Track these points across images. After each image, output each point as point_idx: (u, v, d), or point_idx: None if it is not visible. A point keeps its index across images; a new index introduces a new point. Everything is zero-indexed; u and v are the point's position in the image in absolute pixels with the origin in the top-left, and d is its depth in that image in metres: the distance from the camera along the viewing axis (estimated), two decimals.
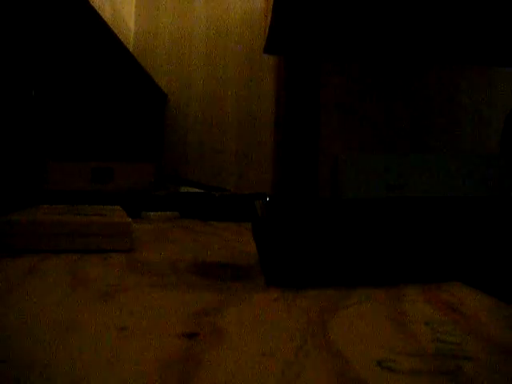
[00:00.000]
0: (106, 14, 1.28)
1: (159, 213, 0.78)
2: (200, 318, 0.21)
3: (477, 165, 0.70)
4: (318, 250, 0.28)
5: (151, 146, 1.48)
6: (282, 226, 0.29)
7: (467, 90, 1.44)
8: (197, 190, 1.22)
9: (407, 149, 1.39)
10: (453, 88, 1.44)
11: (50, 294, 0.25)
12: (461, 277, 0.29)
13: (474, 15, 0.98)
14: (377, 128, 1.40)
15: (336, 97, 1.40)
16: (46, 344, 0.17)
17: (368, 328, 0.20)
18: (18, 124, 0.74)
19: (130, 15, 1.60)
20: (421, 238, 0.30)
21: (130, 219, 0.42)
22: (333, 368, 0.15)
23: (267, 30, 1.13)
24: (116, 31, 1.16)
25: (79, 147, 0.95)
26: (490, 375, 0.15)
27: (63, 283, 0.28)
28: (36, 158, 0.80)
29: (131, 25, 1.61)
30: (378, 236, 0.29)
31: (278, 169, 1.37)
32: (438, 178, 0.69)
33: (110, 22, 1.13)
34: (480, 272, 0.29)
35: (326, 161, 1.15)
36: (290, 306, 0.23)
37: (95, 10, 0.95)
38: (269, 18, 1.06)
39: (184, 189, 1.30)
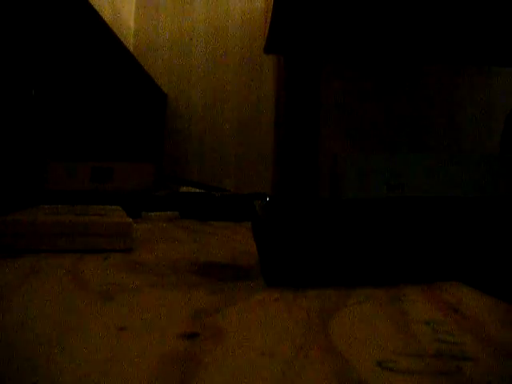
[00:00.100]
0: (106, 13, 1.28)
1: (159, 213, 0.78)
2: (200, 318, 0.21)
3: (477, 165, 0.70)
4: (318, 249, 0.28)
5: (151, 145, 1.48)
6: (281, 226, 0.29)
7: (467, 90, 1.44)
8: (197, 190, 1.21)
9: (407, 149, 1.39)
10: (453, 88, 1.44)
11: (49, 294, 0.25)
12: (461, 277, 0.29)
13: (473, 15, 0.98)
14: (377, 128, 1.40)
15: (336, 97, 1.40)
16: (46, 344, 0.17)
17: (368, 328, 0.20)
18: (17, 124, 0.74)
19: (130, 15, 1.60)
20: (421, 238, 0.30)
21: (130, 219, 0.42)
22: (333, 368, 0.15)
23: (267, 29, 1.13)
24: (116, 31, 1.16)
25: (79, 147, 0.95)
26: (490, 375, 0.15)
27: (63, 283, 0.28)
28: (36, 157, 0.80)
29: (131, 25, 1.61)
30: (377, 236, 0.29)
31: (278, 169, 1.37)
32: (438, 178, 0.69)
33: (109, 22, 1.13)
34: (480, 272, 0.29)
35: (326, 161, 1.15)
36: (290, 306, 0.23)
37: (95, 10, 0.95)
38: (269, 18, 1.06)
39: (184, 189, 1.30)
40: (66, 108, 0.90)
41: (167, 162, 1.56)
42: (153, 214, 0.78)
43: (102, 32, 1.02)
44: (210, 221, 0.75)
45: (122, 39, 1.25)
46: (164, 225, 0.68)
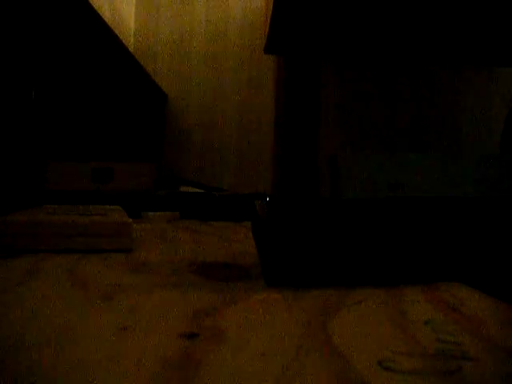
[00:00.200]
0: (106, 13, 1.28)
1: (159, 213, 0.78)
2: (200, 318, 0.21)
3: (477, 165, 0.70)
4: (318, 249, 0.28)
5: (151, 146, 1.48)
6: (281, 226, 0.29)
7: (467, 89, 1.44)
8: (197, 190, 1.21)
9: (407, 148, 1.39)
10: (453, 88, 1.44)
11: (49, 294, 0.25)
12: (461, 277, 0.29)
13: (473, 15, 0.98)
14: (376, 128, 1.40)
15: (335, 97, 1.40)
16: (46, 344, 0.17)
17: (368, 328, 0.20)
18: (18, 124, 0.74)
19: (130, 15, 1.60)
20: (421, 238, 0.30)
21: (130, 219, 0.42)
22: (333, 368, 0.15)
23: (267, 29, 1.13)
24: (116, 31, 1.16)
25: (79, 147, 0.95)
26: (490, 375, 0.15)
27: (63, 283, 0.28)
28: (36, 157, 0.80)
29: (131, 25, 1.61)
30: (378, 236, 0.29)
31: (278, 169, 1.37)
32: (438, 178, 0.69)
33: (109, 22, 1.13)
34: (480, 272, 0.29)
35: (326, 161, 1.15)
36: (290, 305, 0.23)
37: (95, 10, 0.95)
38: (269, 18, 1.06)
39: (184, 189, 1.30)
40: (66, 108, 0.90)
41: (167, 162, 1.56)
42: (153, 214, 0.78)
43: (101, 32, 1.02)
44: (210, 221, 0.75)
45: (122, 39, 1.25)
46: (164, 225, 0.68)
